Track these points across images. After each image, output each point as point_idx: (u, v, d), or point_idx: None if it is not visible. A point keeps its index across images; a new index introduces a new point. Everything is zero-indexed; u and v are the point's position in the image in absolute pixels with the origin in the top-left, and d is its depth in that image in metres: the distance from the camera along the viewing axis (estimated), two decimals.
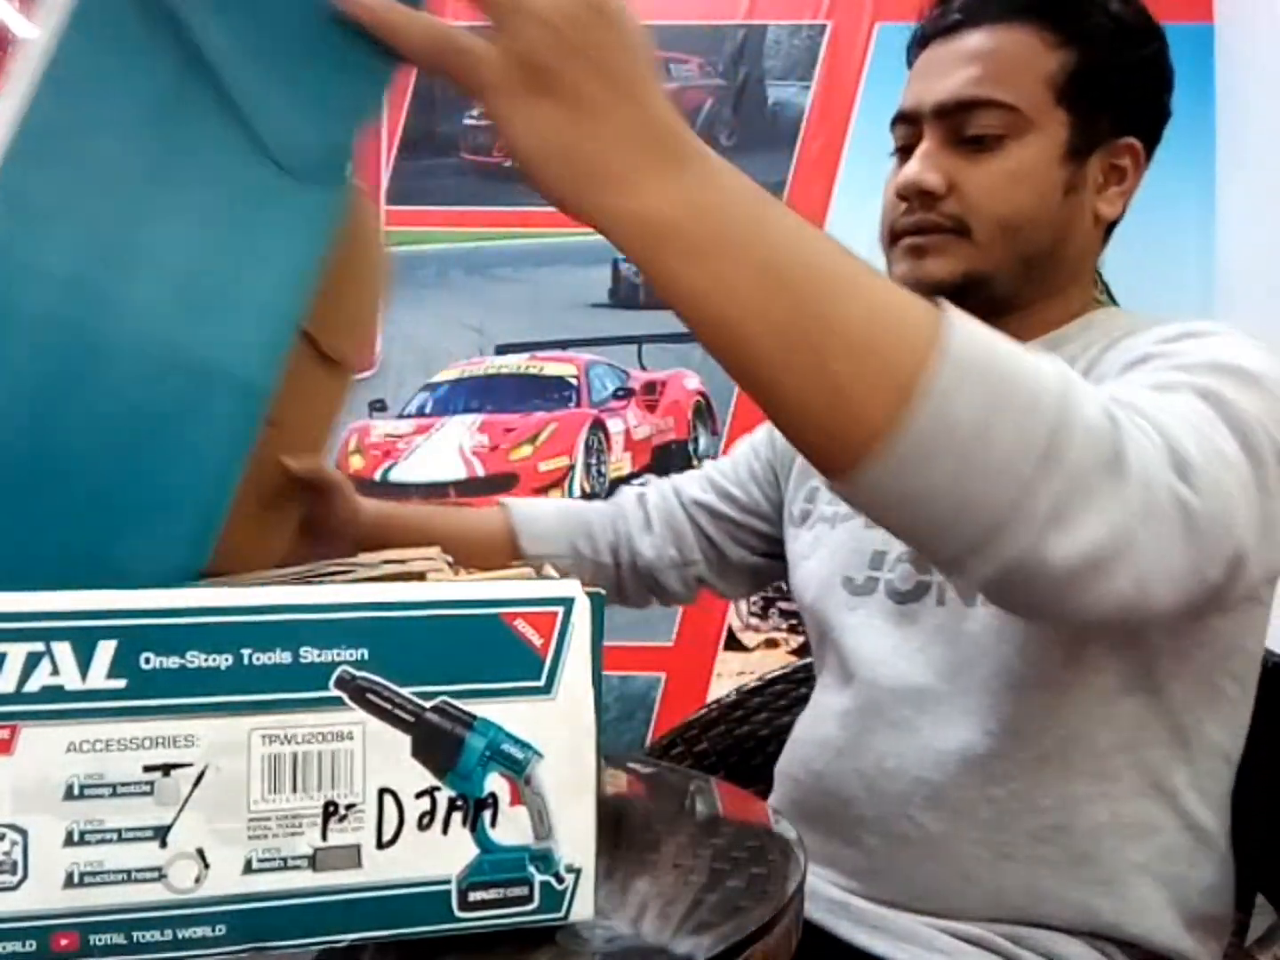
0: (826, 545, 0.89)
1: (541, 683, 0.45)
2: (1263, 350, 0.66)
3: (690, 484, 1.05)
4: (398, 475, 2.52)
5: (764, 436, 1.04)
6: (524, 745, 0.44)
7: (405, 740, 0.43)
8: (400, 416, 2.56)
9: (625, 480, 2.52)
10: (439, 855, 0.43)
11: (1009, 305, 0.80)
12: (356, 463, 2.54)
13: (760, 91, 2.57)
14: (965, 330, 0.49)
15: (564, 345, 2.58)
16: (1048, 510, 0.48)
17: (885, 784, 0.78)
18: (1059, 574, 0.50)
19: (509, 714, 0.44)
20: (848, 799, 0.80)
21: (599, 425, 2.53)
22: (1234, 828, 0.79)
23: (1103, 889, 0.72)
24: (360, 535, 0.80)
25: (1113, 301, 0.90)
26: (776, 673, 1.16)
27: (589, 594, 0.46)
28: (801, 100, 2.55)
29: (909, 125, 0.81)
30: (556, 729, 0.45)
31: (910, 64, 0.84)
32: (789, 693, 1.12)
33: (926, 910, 0.75)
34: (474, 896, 0.44)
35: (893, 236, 0.82)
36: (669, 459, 2.52)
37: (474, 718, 0.43)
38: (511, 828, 0.44)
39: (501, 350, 2.58)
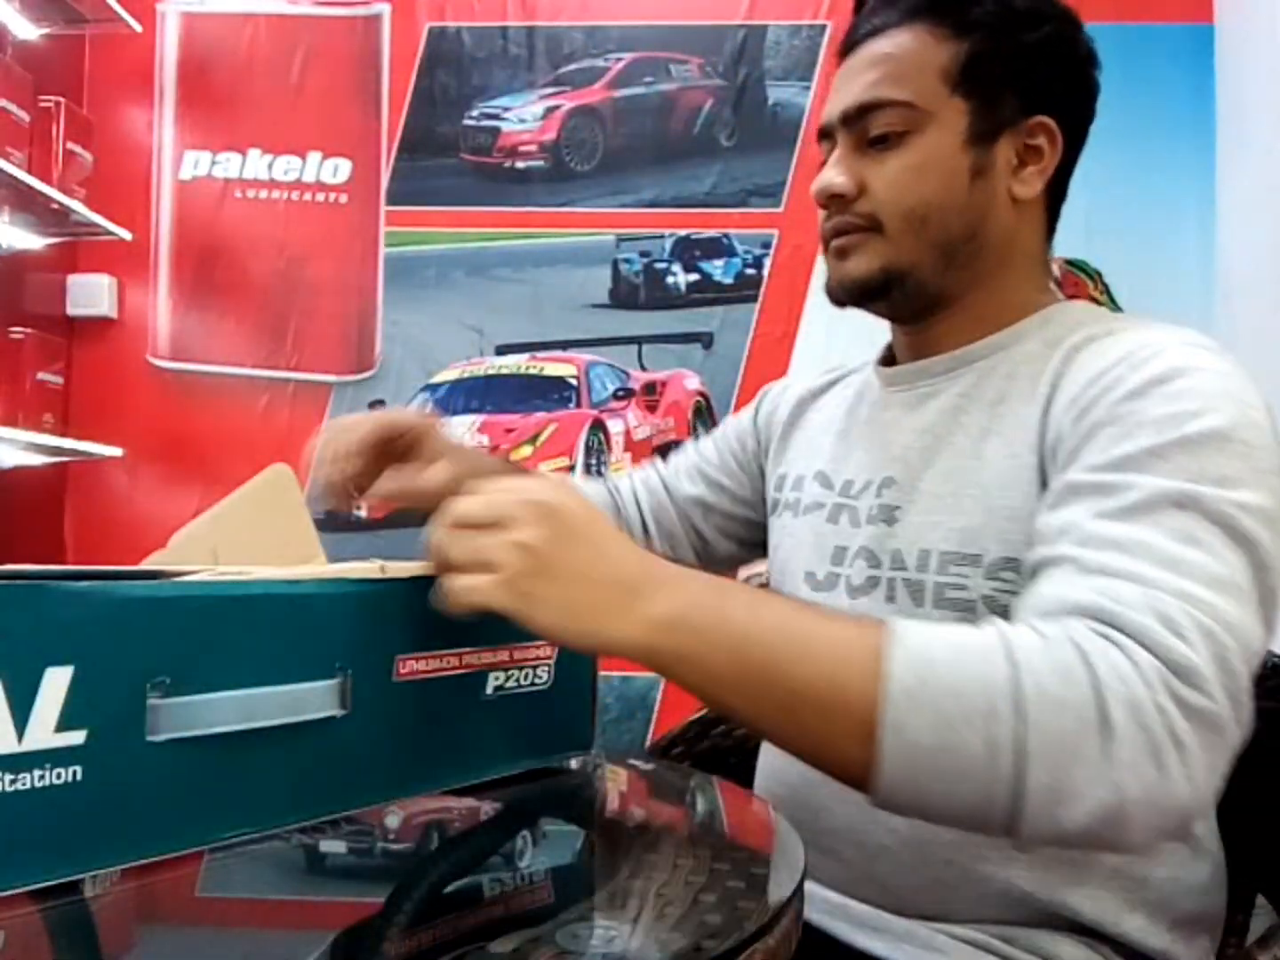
0: (792, 535, 0.90)
1: None
2: (1221, 375, 0.66)
3: (680, 479, 1.05)
4: None
5: (748, 424, 1.04)
6: None
7: None
8: None
9: None
10: None
11: (938, 298, 0.82)
12: None
13: (760, 91, 2.57)
14: (905, 656, 0.55)
15: (564, 345, 2.58)
16: (1044, 795, 0.53)
17: (856, 794, 0.77)
18: (1083, 837, 0.55)
19: None
20: (819, 810, 0.79)
21: (599, 426, 2.53)
22: (1233, 829, 0.79)
23: (1079, 890, 0.72)
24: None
25: (1113, 300, 0.90)
26: None
27: None
28: (801, 100, 2.55)
29: (828, 139, 0.84)
30: None
31: None
32: None
33: (915, 914, 0.75)
34: None
35: (823, 244, 0.86)
36: None
37: None
38: None
39: (501, 350, 2.58)
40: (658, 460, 1.11)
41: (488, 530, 0.60)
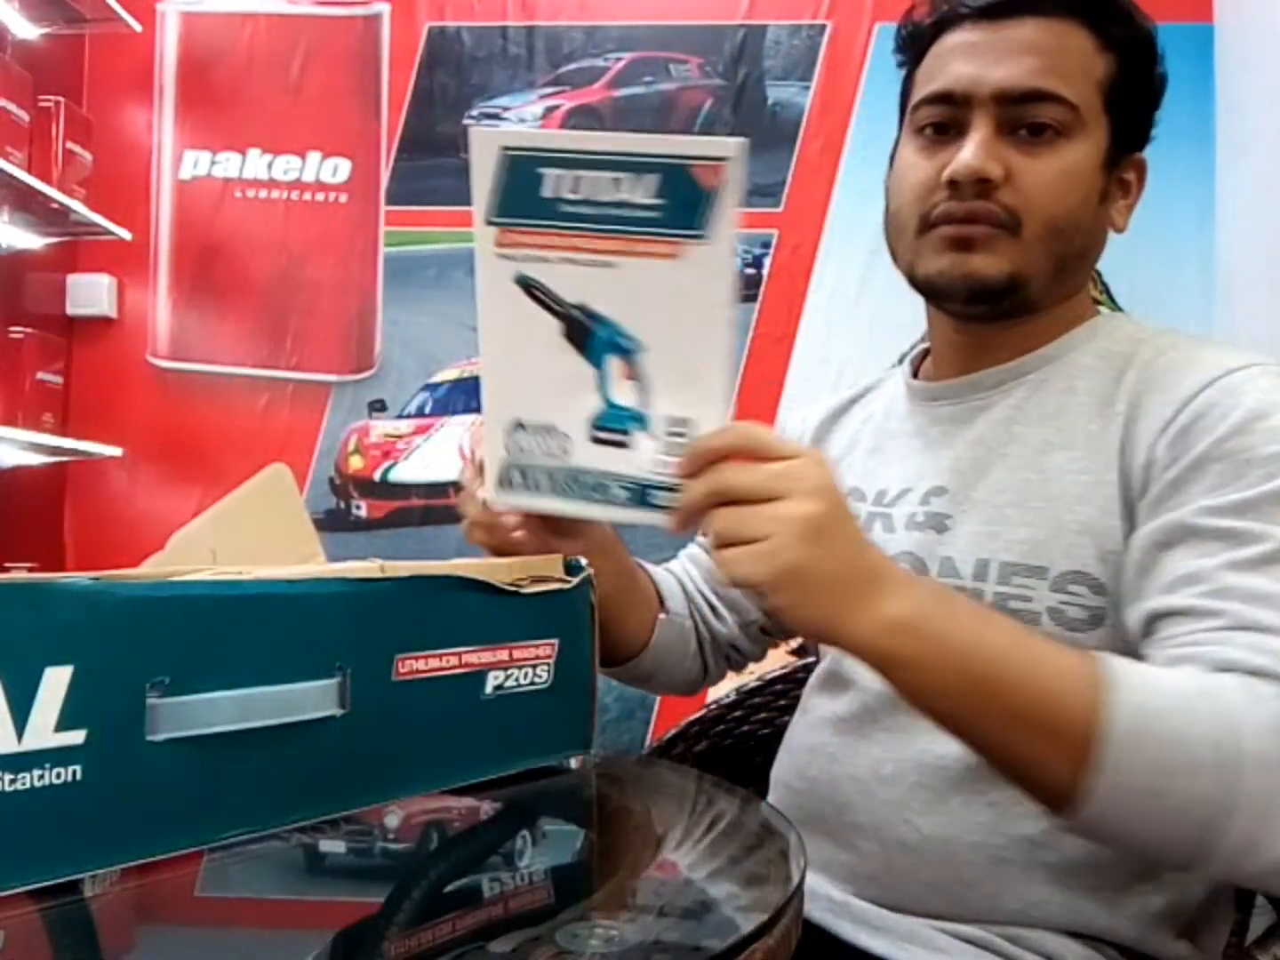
0: None
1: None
2: None
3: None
4: (398, 475, 2.52)
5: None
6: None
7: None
8: (400, 416, 2.56)
9: None
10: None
11: (1035, 308, 0.80)
12: (356, 463, 2.54)
13: (760, 91, 2.57)
14: (1127, 698, 0.58)
15: None
16: (1238, 845, 0.57)
17: (881, 790, 0.77)
18: (1253, 880, 0.63)
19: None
20: (842, 805, 0.79)
21: None
22: None
23: (1097, 896, 0.72)
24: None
25: (1112, 300, 0.90)
26: (776, 673, 1.16)
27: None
28: (801, 100, 2.54)
29: (948, 106, 0.78)
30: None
31: (920, 46, 0.82)
32: (789, 693, 1.12)
33: (924, 912, 0.75)
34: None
35: (927, 224, 0.79)
36: None
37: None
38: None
39: None
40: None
41: (759, 504, 0.59)
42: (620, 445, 0.65)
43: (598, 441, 0.66)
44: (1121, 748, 0.57)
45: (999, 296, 0.78)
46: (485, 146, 0.63)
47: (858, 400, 0.97)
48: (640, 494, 0.65)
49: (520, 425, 0.68)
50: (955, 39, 0.79)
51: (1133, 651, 0.71)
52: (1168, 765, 0.57)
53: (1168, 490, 0.69)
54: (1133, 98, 0.78)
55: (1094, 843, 0.64)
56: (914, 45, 0.83)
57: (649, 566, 0.97)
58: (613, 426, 0.65)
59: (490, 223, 0.64)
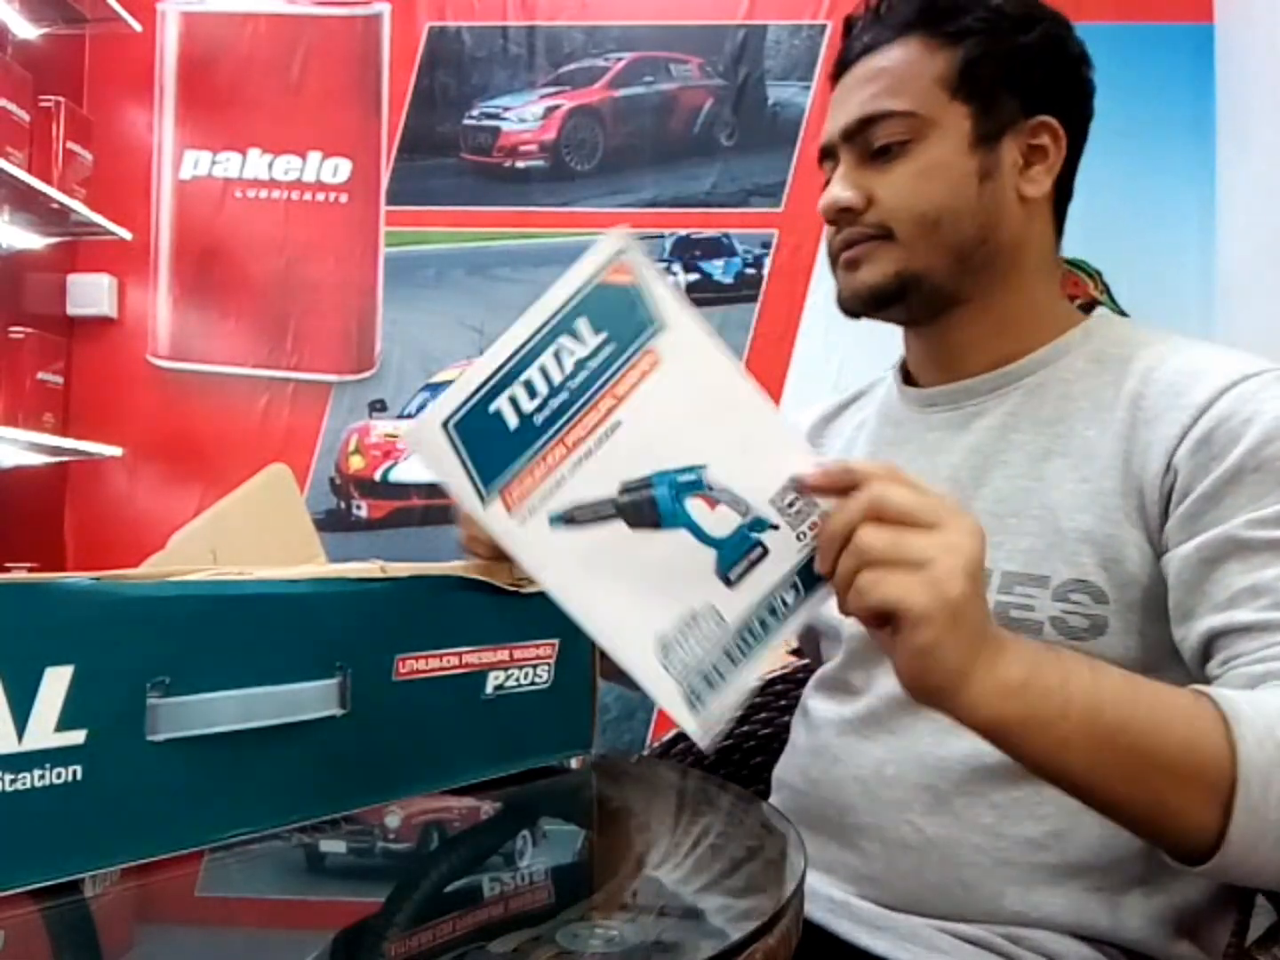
0: None
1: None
2: None
3: None
4: (398, 475, 2.52)
5: None
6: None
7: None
8: (400, 416, 2.56)
9: None
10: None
11: (951, 299, 0.82)
12: (357, 463, 2.54)
13: (760, 91, 2.57)
14: (1254, 736, 0.57)
15: None
16: None
17: (885, 791, 0.77)
18: None
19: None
20: (845, 806, 0.79)
21: None
22: None
23: (1099, 897, 0.72)
24: None
25: (1112, 300, 0.90)
26: (776, 673, 1.16)
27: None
28: (801, 100, 2.54)
29: (830, 159, 0.84)
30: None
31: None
32: (789, 693, 1.12)
33: (926, 913, 0.75)
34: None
35: (832, 260, 0.85)
36: None
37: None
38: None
39: None
40: None
41: (917, 529, 0.54)
42: (759, 562, 0.58)
43: (740, 581, 0.58)
44: (1254, 790, 0.56)
45: (896, 298, 0.81)
46: (429, 438, 0.55)
47: (848, 406, 0.98)
48: (807, 580, 0.58)
49: (666, 643, 0.58)
50: (832, 97, 0.86)
51: (1132, 660, 0.71)
52: None
53: (1204, 504, 0.69)
54: (994, 75, 0.80)
55: (1227, 883, 0.66)
56: None
57: None
58: (739, 557, 0.57)
59: (487, 501, 0.56)
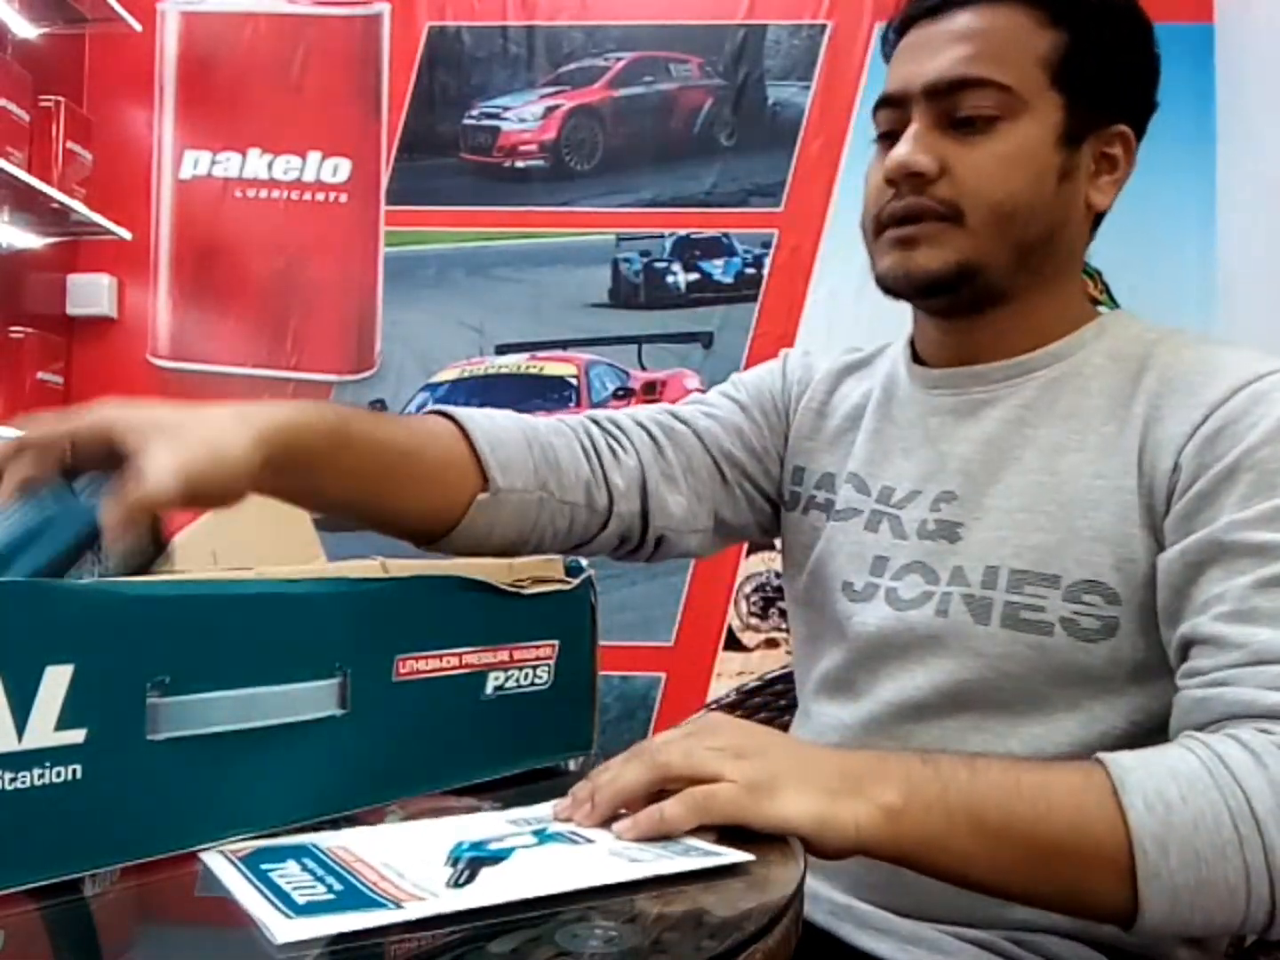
0: (826, 540, 0.86)
1: None
2: None
3: (716, 430, 0.90)
4: None
5: (776, 393, 0.93)
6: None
7: None
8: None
9: None
10: None
11: (1001, 297, 0.78)
12: None
13: (760, 91, 2.57)
14: (1142, 802, 0.57)
15: (564, 345, 2.58)
16: None
17: None
18: None
19: None
20: None
21: None
22: None
23: None
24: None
25: (1112, 300, 0.89)
26: (776, 673, 1.16)
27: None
28: (801, 100, 2.54)
29: (895, 109, 0.78)
30: None
31: (887, 51, 0.82)
32: (789, 693, 1.12)
33: (929, 918, 0.74)
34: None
35: (878, 226, 0.78)
36: None
37: None
38: None
39: (501, 350, 2.58)
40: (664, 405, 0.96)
41: (695, 738, 0.60)
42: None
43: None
44: (1151, 856, 0.57)
45: (952, 287, 0.76)
46: None
47: (853, 371, 0.92)
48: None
49: None
50: (905, 41, 0.79)
51: (1142, 662, 0.70)
52: (1200, 855, 0.57)
53: (1197, 503, 0.67)
54: (1093, 69, 0.76)
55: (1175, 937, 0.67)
56: (884, 51, 0.83)
57: (484, 442, 0.81)
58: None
59: None
